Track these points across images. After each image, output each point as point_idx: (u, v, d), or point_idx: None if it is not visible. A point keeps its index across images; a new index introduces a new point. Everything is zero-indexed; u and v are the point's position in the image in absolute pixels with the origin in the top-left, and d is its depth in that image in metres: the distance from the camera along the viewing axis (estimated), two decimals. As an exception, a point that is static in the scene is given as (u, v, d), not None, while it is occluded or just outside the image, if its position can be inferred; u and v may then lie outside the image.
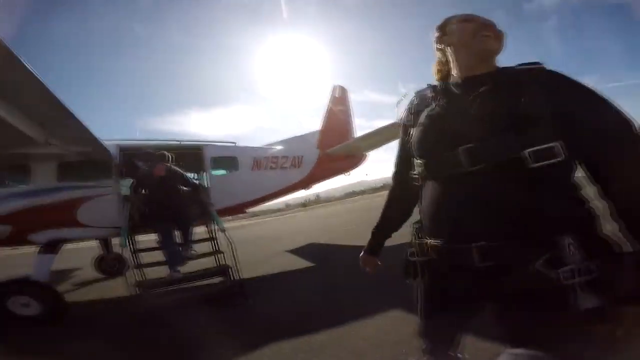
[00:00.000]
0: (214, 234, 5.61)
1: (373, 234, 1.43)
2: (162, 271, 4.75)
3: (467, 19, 1.08)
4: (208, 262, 5.28)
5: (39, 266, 4.53)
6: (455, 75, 1.12)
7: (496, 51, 1.05)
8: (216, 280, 4.90)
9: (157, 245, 4.95)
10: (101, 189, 5.29)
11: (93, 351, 3.01)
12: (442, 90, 1.11)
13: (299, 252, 8.38)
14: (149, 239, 5.38)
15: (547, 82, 0.95)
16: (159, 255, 4.90)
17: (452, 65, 1.13)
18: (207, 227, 5.77)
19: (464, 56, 1.08)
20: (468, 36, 1.05)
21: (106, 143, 5.05)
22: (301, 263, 6.96)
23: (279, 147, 7.53)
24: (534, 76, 0.97)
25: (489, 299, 0.97)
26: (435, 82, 1.20)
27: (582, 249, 0.83)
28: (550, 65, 0.99)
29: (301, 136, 8.31)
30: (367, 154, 8.73)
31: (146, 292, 4.35)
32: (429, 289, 1.14)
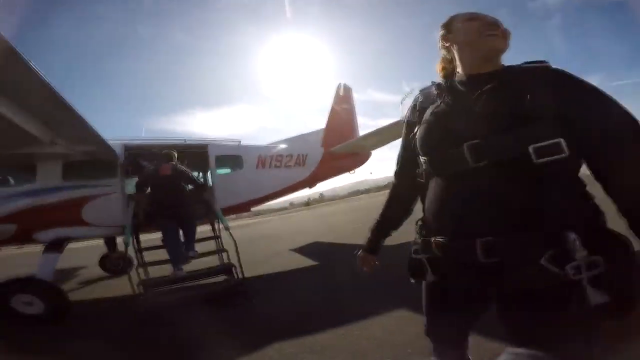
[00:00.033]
0: (218, 233, 5.65)
1: (372, 231, 1.41)
2: (166, 269, 4.77)
3: (472, 17, 1.08)
4: (212, 261, 5.30)
5: (43, 265, 4.55)
6: (460, 73, 1.11)
7: (502, 50, 1.05)
8: (220, 278, 4.93)
9: (161, 244, 4.98)
10: (106, 188, 5.33)
11: (95, 350, 3.03)
12: (447, 87, 1.10)
13: (303, 250, 8.38)
14: (152, 237, 5.41)
15: (552, 81, 0.95)
16: (163, 254, 4.92)
17: (457, 63, 1.13)
18: (211, 225, 5.79)
19: (469, 55, 1.08)
20: (474, 35, 1.05)
21: (111, 142, 5.08)
22: (305, 262, 6.95)
23: (283, 146, 7.52)
24: (539, 75, 0.97)
25: (494, 296, 0.97)
26: (440, 80, 1.19)
27: (587, 244, 0.82)
28: (555, 63, 0.99)
29: (305, 135, 8.28)
30: (371, 152, 8.71)
31: (150, 290, 4.37)
32: (433, 287, 1.14)
